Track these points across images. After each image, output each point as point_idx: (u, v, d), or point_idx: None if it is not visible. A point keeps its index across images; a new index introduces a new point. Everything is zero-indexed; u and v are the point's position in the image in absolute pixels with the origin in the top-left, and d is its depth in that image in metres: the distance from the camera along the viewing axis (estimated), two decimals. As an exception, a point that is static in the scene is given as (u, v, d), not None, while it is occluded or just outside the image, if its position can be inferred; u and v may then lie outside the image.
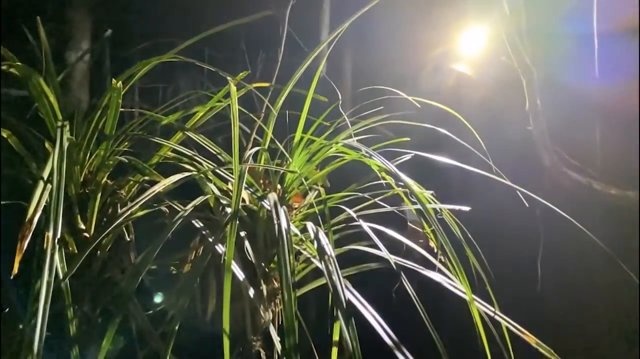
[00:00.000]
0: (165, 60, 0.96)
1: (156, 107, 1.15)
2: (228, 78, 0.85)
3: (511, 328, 0.93)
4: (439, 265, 1.13)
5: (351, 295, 0.93)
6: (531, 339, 0.90)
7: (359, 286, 1.01)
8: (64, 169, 0.69)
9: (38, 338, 0.58)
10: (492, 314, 0.95)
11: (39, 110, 0.96)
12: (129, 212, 0.93)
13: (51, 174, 0.68)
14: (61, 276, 0.77)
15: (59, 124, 0.82)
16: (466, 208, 1.11)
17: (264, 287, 1.19)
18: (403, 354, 0.80)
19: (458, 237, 1.04)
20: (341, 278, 0.90)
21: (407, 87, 1.35)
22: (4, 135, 0.89)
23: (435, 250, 1.23)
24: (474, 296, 1.05)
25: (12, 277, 0.65)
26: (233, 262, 1.07)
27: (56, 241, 0.64)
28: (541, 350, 0.89)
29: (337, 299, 0.87)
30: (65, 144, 0.75)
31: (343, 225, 1.21)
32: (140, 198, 0.86)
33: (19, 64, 0.81)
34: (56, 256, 0.64)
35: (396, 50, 1.81)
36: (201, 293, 1.20)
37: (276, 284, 1.24)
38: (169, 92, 1.36)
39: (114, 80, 0.87)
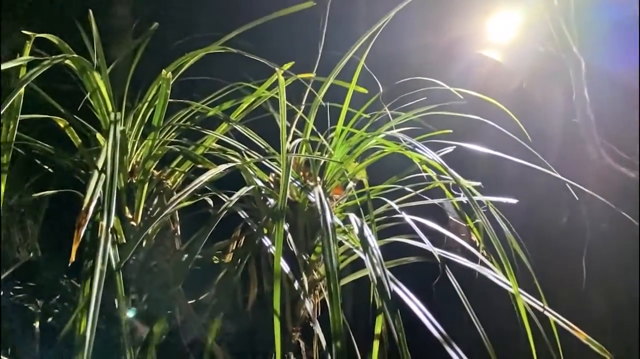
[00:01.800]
0: (212, 51, 0.97)
1: (197, 99, 1.16)
2: (276, 68, 0.85)
3: (560, 323, 0.91)
4: (482, 259, 1.12)
5: (396, 287, 0.93)
6: (581, 335, 0.88)
7: (398, 279, 1.01)
8: (117, 160, 0.71)
9: (91, 326, 0.60)
10: (540, 309, 0.93)
11: (89, 102, 0.99)
12: (177, 201, 0.95)
13: (105, 164, 0.70)
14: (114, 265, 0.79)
15: (112, 116, 0.84)
16: (513, 201, 1.08)
17: (304, 278, 1.20)
18: (452, 348, 0.79)
19: (503, 231, 1.03)
20: (386, 270, 0.90)
21: (441, 77, 1.33)
22: (61, 124, 0.91)
23: (478, 244, 1.22)
24: (520, 290, 1.03)
25: (69, 264, 0.67)
26: (274, 251, 1.08)
27: (109, 230, 0.66)
28: (592, 347, 0.87)
29: (382, 291, 0.87)
30: (119, 135, 0.76)
31: (384, 217, 1.20)
32: (190, 187, 0.87)
33: (75, 56, 0.83)
34: (109, 245, 0.66)
35: (429, 39, 1.78)
36: (242, 283, 1.22)
37: (316, 276, 1.24)
38: (209, 85, 1.37)
39: (163, 71, 0.89)
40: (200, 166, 0.98)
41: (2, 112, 0.64)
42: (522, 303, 0.87)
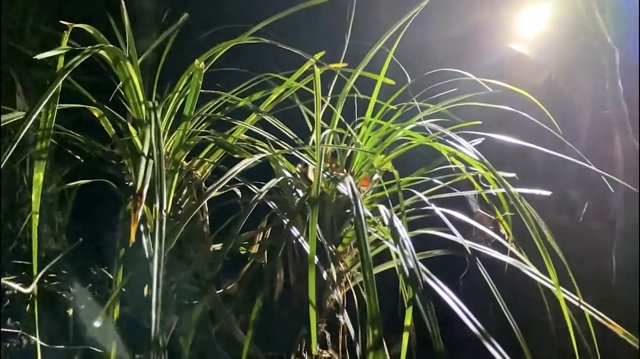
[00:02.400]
0: (244, 42, 0.97)
1: (225, 91, 1.17)
2: (309, 58, 0.85)
3: (596, 317, 0.90)
4: (513, 251, 1.11)
5: (429, 279, 0.92)
6: (618, 329, 0.87)
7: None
8: (162, 145, 0.71)
9: (155, 305, 0.61)
10: (576, 303, 0.91)
11: (122, 92, 0.99)
12: (209, 193, 0.96)
13: (151, 149, 0.71)
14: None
15: (151, 103, 0.85)
16: (546, 192, 1.07)
17: (332, 269, 1.20)
18: (489, 341, 0.79)
19: (535, 222, 1.01)
20: (417, 261, 0.89)
21: (469, 71, 1.31)
22: (96, 114, 0.92)
23: (507, 237, 1.21)
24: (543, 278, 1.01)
25: (130, 245, 0.68)
26: (303, 242, 1.08)
27: (163, 212, 0.67)
28: (630, 341, 0.85)
29: (414, 281, 0.86)
30: (159, 121, 0.77)
31: (413, 209, 1.19)
32: (224, 177, 0.88)
33: (110, 46, 0.83)
34: (164, 227, 0.67)
35: (458, 32, 1.75)
36: (269, 274, 1.22)
37: (342, 267, 1.24)
38: (234, 78, 1.37)
39: (196, 61, 0.89)
40: (235, 155, 0.98)
41: (43, 102, 0.65)
42: (562, 298, 0.86)
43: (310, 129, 1.29)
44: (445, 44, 1.79)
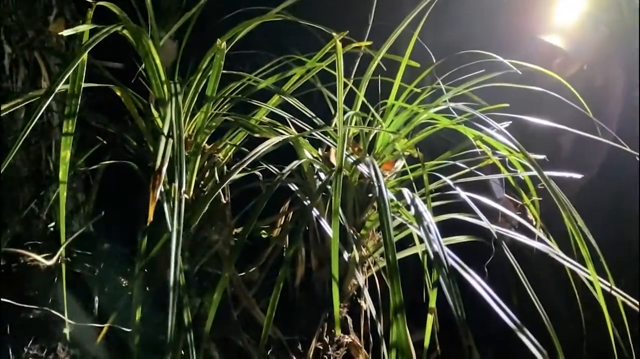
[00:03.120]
0: (267, 20, 0.95)
1: (244, 72, 1.16)
2: (333, 34, 0.83)
3: (628, 303, 0.87)
4: (541, 236, 1.08)
5: (454, 262, 0.90)
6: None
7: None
8: (182, 124, 0.71)
9: (173, 283, 0.60)
10: (607, 289, 0.88)
11: (144, 74, 0.99)
12: (231, 175, 0.95)
13: (171, 128, 0.70)
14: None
15: (172, 82, 0.84)
16: (577, 175, 1.03)
17: (355, 253, 1.19)
18: (516, 325, 0.76)
19: (568, 208, 0.98)
20: (442, 244, 0.87)
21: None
22: (118, 93, 0.92)
23: (535, 222, 1.18)
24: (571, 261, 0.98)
25: (147, 224, 0.68)
26: (324, 225, 1.07)
27: (182, 191, 0.66)
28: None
29: (439, 264, 0.84)
30: (181, 102, 0.76)
31: (438, 193, 1.17)
32: (247, 157, 0.87)
33: (133, 24, 0.83)
34: (182, 207, 0.66)
35: (487, 23, 1.71)
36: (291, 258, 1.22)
37: (365, 252, 1.23)
38: (255, 60, 1.36)
39: (218, 41, 0.88)
40: (256, 135, 0.97)
41: (67, 77, 0.65)
42: (599, 288, 0.83)
43: (333, 111, 1.27)
44: (477, 37, 1.74)
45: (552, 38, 1.77)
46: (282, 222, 1.24)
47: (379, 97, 1.27)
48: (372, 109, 1.14)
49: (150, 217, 0.66)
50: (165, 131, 0.71)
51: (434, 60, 1.24)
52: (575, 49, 1.71)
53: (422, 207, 0.96)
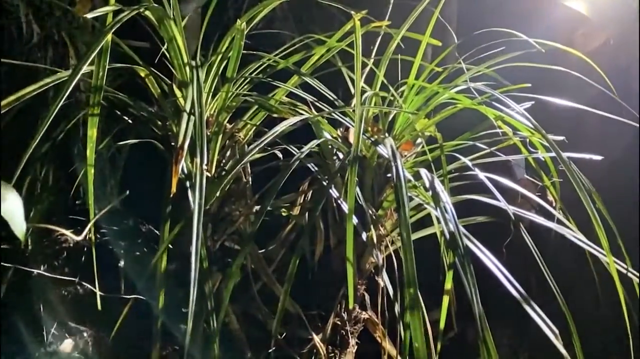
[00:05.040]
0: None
1: (265, 52, 1.16)
2: (352, 13, 0.83)
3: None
4: (560, 218, 1.07)
5: (469, 242, 0.91)
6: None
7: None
8: (203, 101, 0.73)
9: (195, 258, 0.63)
10: (624, 271, 0.88)
11: (167, 54, 1.01)
12: (251, 152, 0.97)
13: (192, 106, 0.72)
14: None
15: (193, 62, 0.86)
16: (597, 157, 1.02)
17: (372, 232, 1.20)
18: (529, 304, 0.77)
19: (587, 190, 0.97)
20: (458, 224, 0.88)
21: (522, 30, 1.25)
22: (142, 74, 0.95)
23: (554, 204, 1.17)
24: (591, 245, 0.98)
25: (171, 196, 0.71)
26: (342, 204, 1.09)
27: (204, 166, 0.68)
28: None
29: (454, 245, 0.85)
30: (202, 78, 0.78)
31: (456, 174, 1.17)
32: (266, 136, 0.89)
33: (154, 5, 0.84)
34: (204, 181, 0.69)
35: None
36: (309, 236, 1.24)
37: (382, 231, 1.25)
38: (276, 40, 1.37)
39: (238, 21, 0.89)
40: (275, 115, 0.98)
41: (92, 58, 0.67)
42: (614, 269, 0.83)
43: (352, 91, 1.28)
44: (500, 3, 1.70)
45: (577, 4, 1.71)
46: (301, 201, 1.27)
47: (398, 77, 1.26)
48: (392, 89, 1.14)
49: (174, 189, 0.68)
50: (188, 109, 0.73)
51: (455, 39, 1.23)
52: (601, 19, 1.64)
53: (440, 188, 0.97)
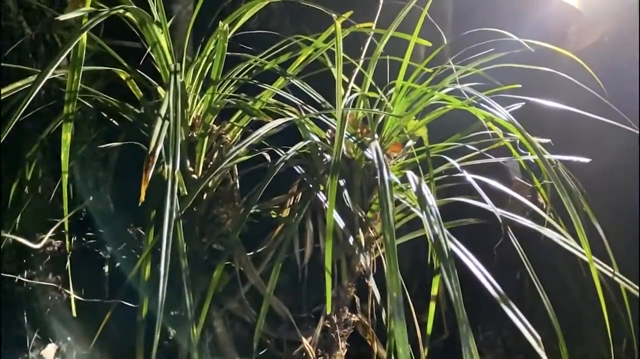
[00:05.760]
0: (270, 1, 0.95)
1: (255, 53, 1.15)
2: (333, 16, 0.82)
3: (632, 290, 0.86)
4: (550, 221, 1.06)
5: (454, 246, 0.90)
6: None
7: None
8: (179, 106, 0.72)
9: (164, 267, 0.62)
10: (610, 274, 0.87)
11: (150, 56, 1.00)
12: (236, 154, 0.96)
13: (168, 111, 0.71)
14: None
15: (173, 66, 0.85)
16: (585, 159, 1.01)
17: (360, 234, 1.19)
18: (510, 307, 0.77)
19: (574, 193, 0.96)
20: (444, 229, 0.87)
21: (514, 26, 1.23)
22: (123, 77, 0.94)
23: (545, 206, 1.16)
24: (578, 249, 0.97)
25: (140, 204, 0.70)
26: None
27: (176, 172, 0.68)
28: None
29: (439, 250, 0.85)
30: (179, 83, 0.77)
31: (444, 176, 1.16)
32: (248, 139, 0.88)
33: (135, 7, 0.83)
34: (176, 187, 0.68)
35: None
36: (299, 237, 1.23)
37: (372, 233, 1.24)
38: (267, 38, 1.35)
39: (220, 23, 0.88)
40: (255, 118, 0.97)
41: (63, 62, 0.66)
42: (595, 271, 0.82)
43: (343, 92, 1.26)
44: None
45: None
46: (291, 203, 1.26)
47: (387, 77, 1.25)
48: (380, 92, 1.13)
49: (142, 199, 0.68)
50: (163, 113, 0.72)
51: (445, 39, 1.21)
52: (596, 14, 1.62)
53: (426, 191, 0.96)
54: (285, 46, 1.18)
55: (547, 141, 1.01)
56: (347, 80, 1.25)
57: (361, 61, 1.26)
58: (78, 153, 0.99)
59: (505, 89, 1.19)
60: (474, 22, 1.26)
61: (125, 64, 0.97)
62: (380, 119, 1.22)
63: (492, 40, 1.20)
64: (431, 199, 0.93)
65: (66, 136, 0.74)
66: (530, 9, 1.63)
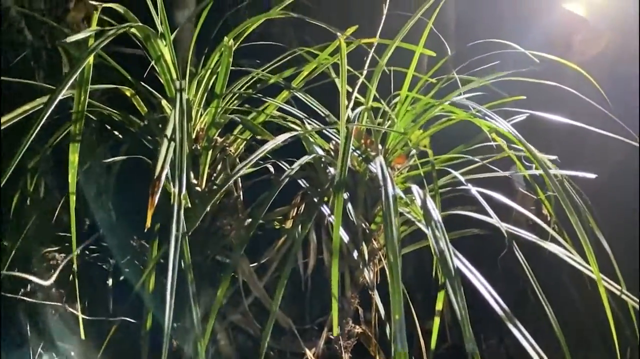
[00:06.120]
0: (273, 17, 0.95)
1: (259, 65, 1.15)
2: (338, 34, 0.82)
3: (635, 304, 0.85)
4: (553, 234, 1.06)
5: (459, 262, 0.90)
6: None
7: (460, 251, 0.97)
8: (184, 127, 0.72)
9: (170, 292, 0.62)
10: (617, 292, 0.87)
11: (154, 69, 1.00)
12: (241, 168, 0.96)
13: (173, 131, 0.71)
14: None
15: (178, 84, 0.84)
16: (591, 175, 1.01)
17: (364, 246, 1.19)
18: (515, 325, 0.76)
19: (579, 207, 0.96)
20: (449, 245, 0.87)
21: (520, 35, 1.23)
22: (127, 94, 0.94)
23: (549, 218, 1.15)
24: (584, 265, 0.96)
25: (145, 230, 0.70)
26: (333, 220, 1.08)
27: (182, 196, 0.67)
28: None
29: (445, 267, 0.84)
30: (185, 103, 0.77)
31: (448, 188, 1.16)
32: (253, 156, 0.88)
33: (140, 24, 0.83)
34: (182, 211, 0.67)
35: None
36: (302, 249, 1.23)
37: (376, 245, 1.24)
38: (270, 49, 1.35)
39: (225, 38, 0.88)
40: (259, 137, 0.97)
41: (72, 82, 0.66)
42: (603, 289, 0.82)
43: (347, 104, 1.26)
44: (498, 5, 1.66)
45: (577, 8, 1.68)
46: (294, 214, 1.25)
47: (391, 88, 1.25)
48: (383, 103, 1.13)
49: (148, 224, 0.67)
50: (168, 134, 0.72)
51: (449, 50, 1.21)
52: (602, 23, 1.62)
53: (431, 205, 0.95)
54: (289, 57, 1.18)
55: (553, 157, 1.01)
56: (350, 90, 1.24)
57: (364, 72, 1.26)
58: (83, 169, 0.98)
59: (509, 101, 1.19)
60: (478, 31, 1.26)
61: (129, 78, 0.97)
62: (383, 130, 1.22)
63: (497, 51, 1.20)
64: (436, 214, 0.93)
65: (73, 158, 0.73)
66: (536, 17, 1.62)
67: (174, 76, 0.96)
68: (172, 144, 0.70)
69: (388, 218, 0.84)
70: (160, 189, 0.67)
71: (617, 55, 1.61)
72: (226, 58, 0.90)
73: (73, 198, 0.74)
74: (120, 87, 0.92)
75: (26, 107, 0.73)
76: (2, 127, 0.74)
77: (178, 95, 0.79)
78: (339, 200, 0.78)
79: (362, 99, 1.21)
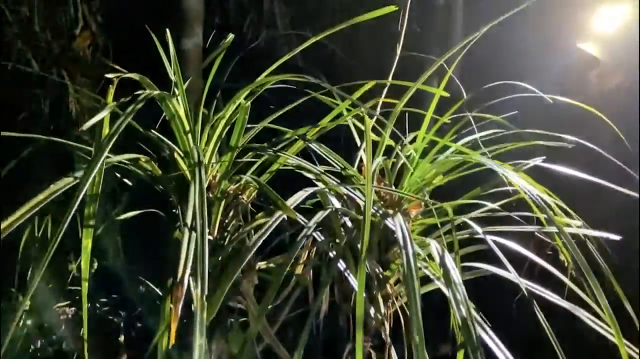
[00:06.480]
0: (288, 78, 0.92)
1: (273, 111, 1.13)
2: (362, 109, 0.80)
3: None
4: (569, 284, 1.05)
5: (481, 330, 0.88)
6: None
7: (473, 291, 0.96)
8: (205, 216, 0.69)
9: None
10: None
11: (168, 122, 0.98)
12: (255, 224, 0.94)
13: (194, 217, 0.68)
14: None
15: (197, 168, 0.80)
16: (616, 237, 0.99)
17: (377, 291, 1.18)
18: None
19: (598, 261, 0.95)
20: (472, 311, 0.85)
21: (536, 73, 1.21)
22: (142, 160, 0.91)
23: (566, 265, 1.14)
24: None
25: (170, 346, 0.67)
26: (350, 278, 1.07)
27: (204, 298, 0.64)
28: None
29: (467, 335, 0.83)
30: (205, 186, 0.75)
31: (465, 236, 1.14)
32: (270, 222, 0.86)
33: (158, 91, 0.81)
34: (205, 315, 0.64)
35: (527, 31, 1.62)
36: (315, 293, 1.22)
37: (389, 290, 1.22)
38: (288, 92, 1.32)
39: (242, 100, 0.86)
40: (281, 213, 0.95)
41: (87, 184, 0.62)
42: (625, 353, 0.80)
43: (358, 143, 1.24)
44: (516, 45, 1.65)
45: (590, 47, 1.68)
46: (305, 258, 1.24)
47: (407, 128, 1.23)
48: (398, 150, 1.10)
49: (173, 341, 0.64)
50: (189, 222, 0.69)
51: (464, 93, 1.19)
52: (614, 62, 1.61)
53: (451, 265, 0.94)
54: (304, 98, 1.15)
55: (579, 223, 0.99)
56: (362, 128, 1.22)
57: (378, 109, 1.24)
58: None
59: (527, 145, 1.17)
60: (493, 71, 1.24)
61: (142, 130, 0.95)
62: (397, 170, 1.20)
63: (512, 95, 1.17)
64: (457, 276, 0.91)
65: (87, 243, 0.70)
66: (552, 56, 1.61)
67: (187, 128, 0.94)
68: (194, 234, 0.67)
69: (410, 284, 0.82)
70: (183, 294, 0.64)
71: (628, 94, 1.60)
72: (242, 115, 0.88)
73: (85, 285, 0.71)
74: (139, 156, 0.89)
75: (60, 184, 0.69)
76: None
77: (197, 175, 0.76)
78: (361, 272, 0.76)
79: (377, 138, 1.19)
